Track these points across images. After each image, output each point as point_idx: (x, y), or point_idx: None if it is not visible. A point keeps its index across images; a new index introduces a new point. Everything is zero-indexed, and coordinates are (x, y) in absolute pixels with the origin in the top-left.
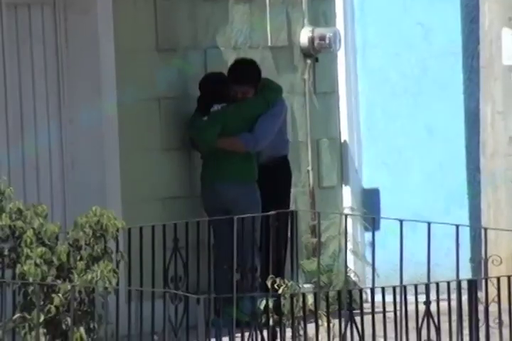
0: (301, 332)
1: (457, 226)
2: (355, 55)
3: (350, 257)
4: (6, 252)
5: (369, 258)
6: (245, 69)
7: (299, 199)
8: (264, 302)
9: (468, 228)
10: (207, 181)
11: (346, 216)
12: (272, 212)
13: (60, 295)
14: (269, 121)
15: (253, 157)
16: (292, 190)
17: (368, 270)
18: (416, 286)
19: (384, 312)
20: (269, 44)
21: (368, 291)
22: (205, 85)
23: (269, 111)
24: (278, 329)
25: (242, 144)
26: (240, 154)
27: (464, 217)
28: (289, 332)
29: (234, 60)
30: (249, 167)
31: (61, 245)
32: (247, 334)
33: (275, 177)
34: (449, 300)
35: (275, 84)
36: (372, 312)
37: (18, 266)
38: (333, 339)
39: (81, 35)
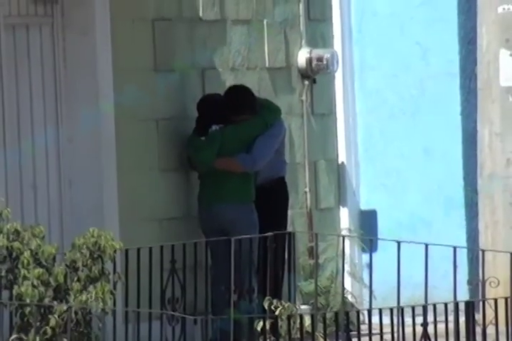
0: None
1: (455, 248)
2: (353, 77)
3: (347, 279)
4: (3, 273)
5: (366, 280)
6: (241, 100)
7: (296, 220)
8: (261, 323)
9: (465, 250)
10: (204, 202)
11: (344, 237)
12: (270, 234)
13: (56, 316)
14: (266, 141)
15: (251, 177)
16: (290, 212)
17: (366, 292)
18: (413, 308)
19: (381, 333)
20: (267, 65)
21: (366, 313)
22: (203, 106)
23: (268, 132)
24: None
25: (240, 165)
26: (237, 175)
27: (461, 239)
28: None
29: (228, 89)
30: (246, 188)
31: (58, 266)
32: None
33: (272, 199)
34: (446, 321)
35: (274, 105)
36: (370, 334)
37: (15, 287)
38: None
39: (79, 56)
